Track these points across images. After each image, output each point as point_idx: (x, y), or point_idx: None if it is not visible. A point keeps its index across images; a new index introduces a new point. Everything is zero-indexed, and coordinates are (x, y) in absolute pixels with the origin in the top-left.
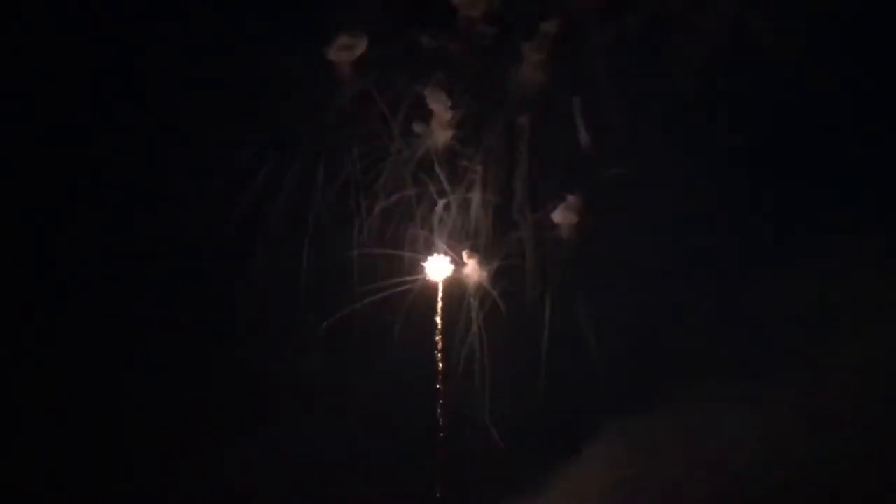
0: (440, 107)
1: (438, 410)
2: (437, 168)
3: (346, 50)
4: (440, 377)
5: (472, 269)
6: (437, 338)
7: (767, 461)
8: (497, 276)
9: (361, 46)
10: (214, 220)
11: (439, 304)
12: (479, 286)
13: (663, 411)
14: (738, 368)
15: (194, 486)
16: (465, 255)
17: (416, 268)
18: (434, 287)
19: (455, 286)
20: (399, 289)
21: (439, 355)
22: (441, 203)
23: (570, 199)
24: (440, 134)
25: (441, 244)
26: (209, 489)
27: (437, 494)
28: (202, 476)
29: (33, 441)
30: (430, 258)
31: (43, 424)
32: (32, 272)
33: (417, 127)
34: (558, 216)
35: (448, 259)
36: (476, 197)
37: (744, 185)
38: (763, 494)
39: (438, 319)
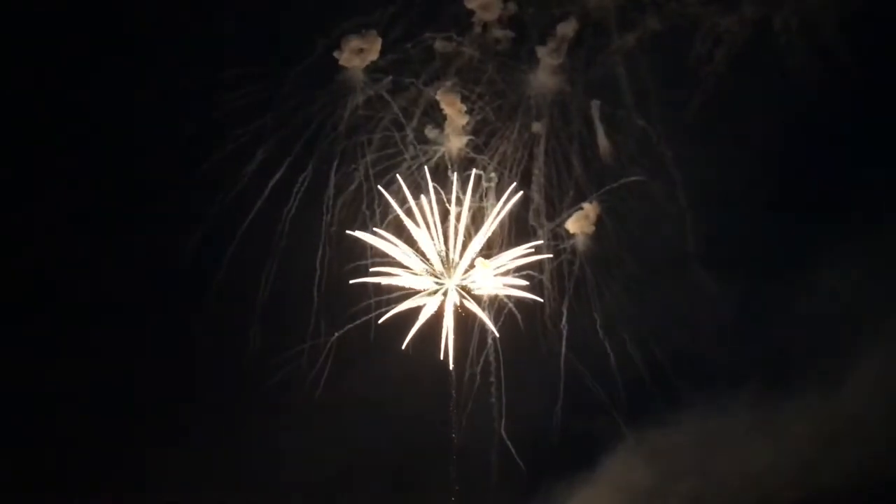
0: (454, 112)
1: (453, 423)
2: (450, 175)
3: (359, 54)
4: (454, 389)
5: (487, 278)
6: (451, 348)
7: (789, 473)
8: (513, 286)
9: (374, 50)
10: (225, 225)
11: (452, 314)
12: (495, 296)
13: (682, 422)
14: (758, 378)
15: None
16: (479, 264)
17: (430, 276)
18: (448, 296)
19: (470, 296)
20: (412, 298)
21: (452, 367)
22: (454, 211)
23: (587, 206)
24: (454, 140)
25: (455, 253)
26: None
27: None
28: (211, 472)
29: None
30: (444, 267)
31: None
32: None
33: (430, 132)
34: (573, 225)
35: (462, 268)
36: (490, 205)
37: (766, 191)
38: None
39: (451, 330)
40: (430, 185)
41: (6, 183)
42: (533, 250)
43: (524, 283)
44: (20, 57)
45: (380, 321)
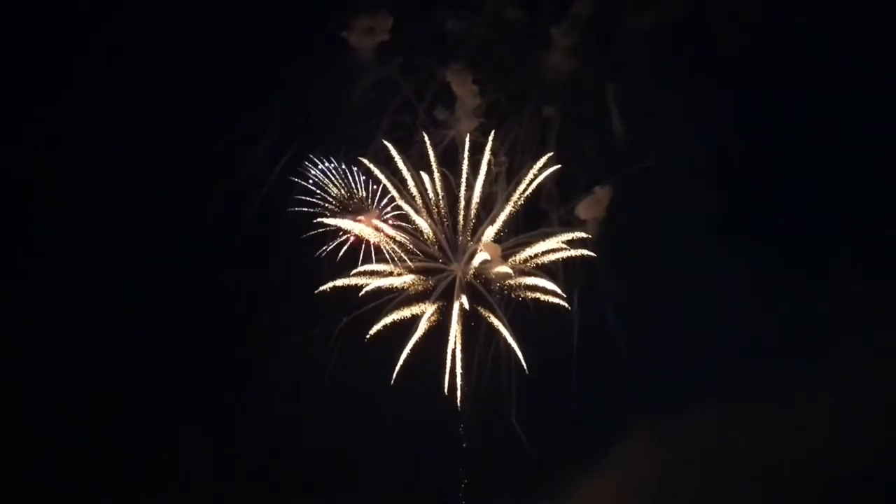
0: (466, 93)
1: (460, 411)
2: (461, 158)
3: (369, 33)
4: (462, 377)
5: (497, 264)
6: (457, 336)
7: (803, 460)
8: (524, 273)
9: (384, 30)
10: (230, 217)
11: (461, 302)
12: (505, 283)
13: (692, 409)
14: (775, 361)
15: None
16: (489, 250)
17: (439, 261)
18: (455, 282)
19: (479, 282)
20: (418, 285)
21: (459, 356)
22: (464, 195)
23: (598, 191)
24: (466, 123)
25: (464, 238)
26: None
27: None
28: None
29: None
30: (452, 252)
31: None
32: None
33: (441, 114)
34: (584, 210)
35: (472, 254)
36: (501, 190)
37: (784, 169)
38: (798, 495)
39: (458, 318)
40: (435, 169)
41: None
42: (566, 246)
43: (554, 287)
44: None
45: (367, 337)
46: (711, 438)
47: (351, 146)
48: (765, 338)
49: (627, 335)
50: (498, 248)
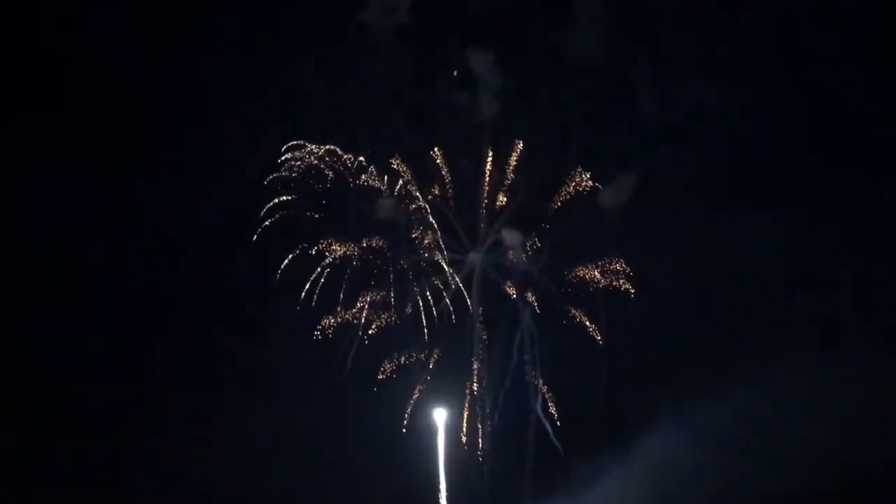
0: (487, 75)
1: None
2: (483, 145)
3: (387, 12)
4: (481, 372)
5: (519, 256)
6: (480, 327)
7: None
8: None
9: (402, 8)
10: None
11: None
12: (529, 275)
13: (726, 397)
14: (807, 347)
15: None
16: (512, 241)
17: (459, 254)
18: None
19: (503, 275)
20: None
21: (480, 351)
22: (486, 185)
23: (622, 178)
24: (487, 106)
25: (486, 230)
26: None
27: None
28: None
29: None
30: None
31: None
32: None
33: (462, 98)
34: (607, 198)
35: (492, 244)
36: (524, 178)
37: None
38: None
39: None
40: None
41: None
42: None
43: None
44: None
45: (376, 385)
46: (743, 427)
47: (367, 133)
48: (800, 319)
49: (657, 323)
50: (520, 237)
